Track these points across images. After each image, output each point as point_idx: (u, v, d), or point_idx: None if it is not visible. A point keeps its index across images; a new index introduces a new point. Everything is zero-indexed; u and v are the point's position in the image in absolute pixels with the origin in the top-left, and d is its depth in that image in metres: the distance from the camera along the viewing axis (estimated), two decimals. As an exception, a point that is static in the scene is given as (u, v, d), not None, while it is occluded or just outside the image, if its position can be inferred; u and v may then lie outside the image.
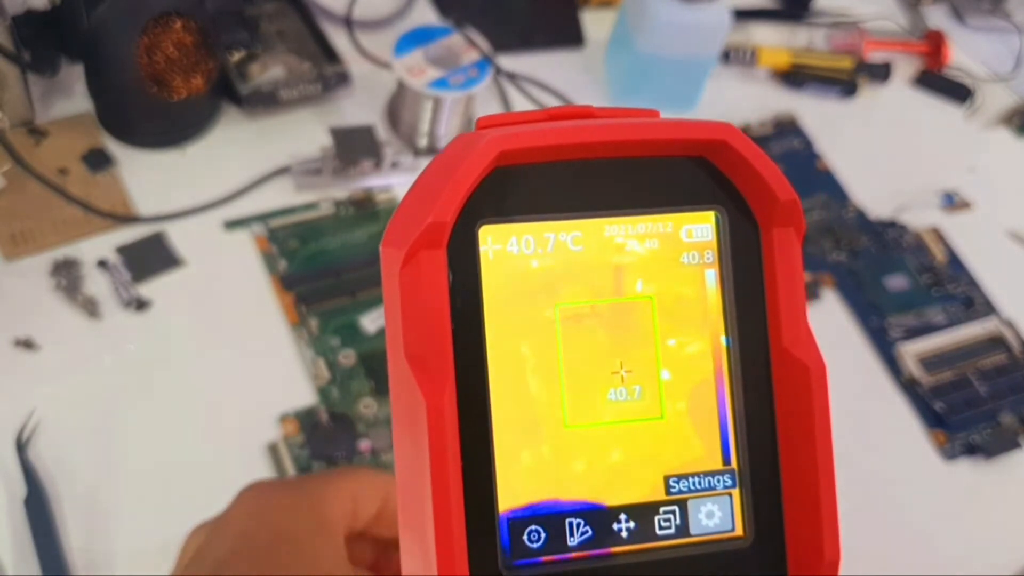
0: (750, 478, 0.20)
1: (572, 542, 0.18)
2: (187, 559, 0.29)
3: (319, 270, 0.55)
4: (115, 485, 0.46)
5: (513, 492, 0.18)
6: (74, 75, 0.59)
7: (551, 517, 0.18)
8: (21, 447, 0.45)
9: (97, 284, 0.52)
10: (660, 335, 0.19)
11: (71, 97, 0.60)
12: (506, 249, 0.19)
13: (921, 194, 0.68)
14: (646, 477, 0.19)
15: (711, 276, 0.20)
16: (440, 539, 0.17)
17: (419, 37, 0.61)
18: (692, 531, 0.19)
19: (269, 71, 0.61)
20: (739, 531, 0.19)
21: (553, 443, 0.19)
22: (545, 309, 0.19)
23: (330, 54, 0.63)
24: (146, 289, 0.52)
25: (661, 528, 0.19)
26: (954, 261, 0.65)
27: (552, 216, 0.19)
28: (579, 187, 0.19)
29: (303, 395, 0.50)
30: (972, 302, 0.63)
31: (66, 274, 0.52)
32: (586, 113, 0.19)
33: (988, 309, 0.63)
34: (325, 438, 0.49)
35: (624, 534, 0.19)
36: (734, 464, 0.20)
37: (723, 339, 0.20)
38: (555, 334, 0.19)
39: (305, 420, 0.49)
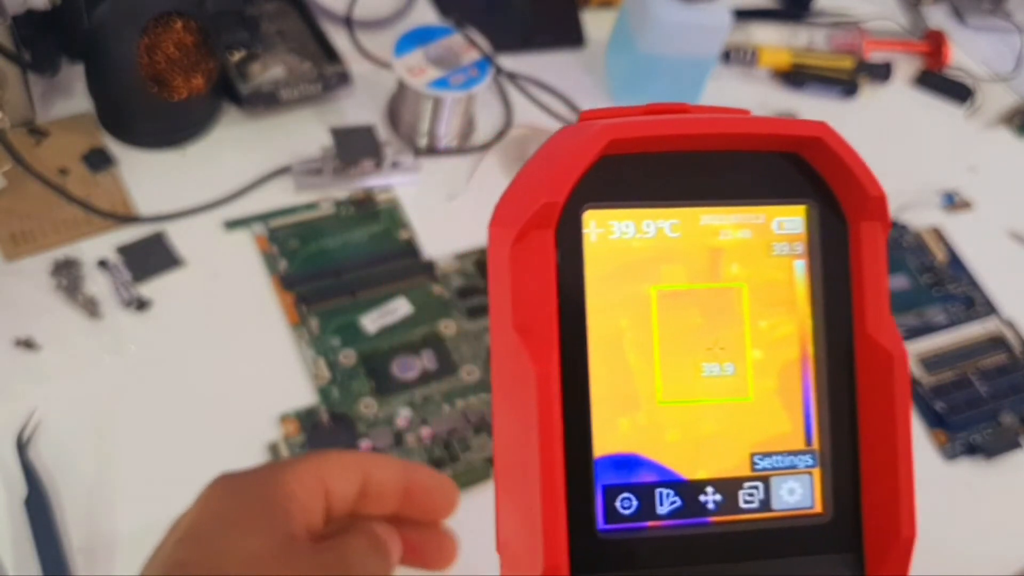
0: (831, 458, 0.20)
1: (662, 510, 0.20)
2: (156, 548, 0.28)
3: (319, 270, 0.55)
4: (115, 484, 0.46)
5: (610, 453, 0.20)
6: (74, 75, 0.59)
7: (643, 487, 0.20)
8: (21, 447, 0.45)
9: (97, 284, 0.52)
10: (751, 319, 0.20)
11: (71, 97, 0.60)
12: (608, 233, 0.20)
13: (922, 194, 0.68)
14: (733, 453, 0.20)
15: (800, 266, 0.21)
16: (546, 501, 0.18)
17: (419, 37, 0.61)
18: (774, 506, 0.20)
19: (269, 71, 0.61)
20: (818, 508, 0.20)
21: (647, 416, 0.20)
22: (643, 290, 0.20)
23: (330, 54, 0.63)
24: (146, 289, 0.52)
25: (745, 502, 0.20)
26: (955, 261, 0.65)
27: (652, 203, 0.20)
28: (678, 177, 0.20)
29: (304, 395, 0.50)
30: (973, 302, 0.63)
31: (66, 274, 0.52)
32: (682, 109, 0.20)
33: (988, 309, 0.63)
34: (326, 438, 0.49)
35: (711, 506, 0.20)
36: (816, 444, 0.21)
37: (810, 325, 0.21)
38: (651, 314, 0.20)
39: (306, 420, 0.49)
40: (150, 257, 0.54)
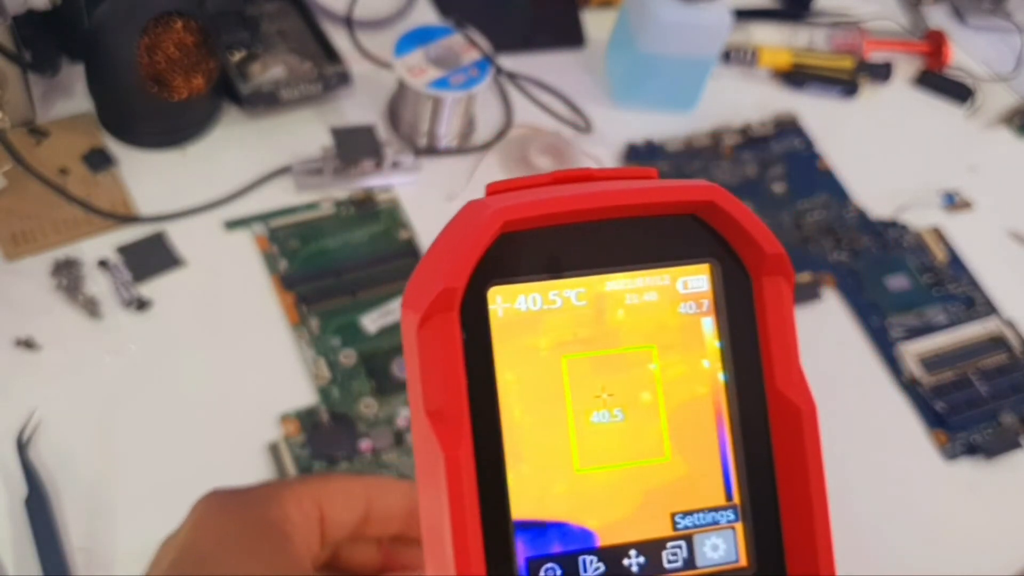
0: (752, 512, 0.21)
1: None
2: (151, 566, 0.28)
3: (320, 270, 0.55)
4: (116, 485, 0.46)
5: (529, 520, 0.20)
6: (74, 75, 0.59)
7: (566, 556, 0.20)
8: (22, 447, 0.45)
9: (98, 284, 0.52)
10: (662, 380, 0.21)
11: (72, 97, 0.60)
12: (515, 307, 0.20)
13: (922, 194, 0.68)
14: (654, 514, 0.20)
15: (708, 324, 0.21)
16: None
17: (419, 37, 0.61)
18: (698, 564, 0.20)
19: (270, 71, 0.61)
20: (743, 562, 0.21)
21: (566, 485, 0.20)
22: (553, 360, 0.20)
23: (331, 54, 0.63)
24: (147, 289, 0.52)
25: (669, 562, 0.20)
26: (955, 261, 0.65)
27: (556, 275, 0.20)
28: (581, 247, 0.20)
29: (304, 395, 0.50)
30: (973, 302, 0.63)
31: (67, 274, 0.52)
32: (586, 176, 0.21)
33: (989, 309, 0.63)
34: (326, 438, 0.49)
35: (635, 569, 0.20)
36: (736, 499, 0.21)
37: (722, 382, 0.21)
38: (563, 385, 0.20)
39: (306, 420, 0.49)
40: (150, 257, 0.54)
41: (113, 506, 0.45)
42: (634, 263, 0.21)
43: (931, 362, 0.59)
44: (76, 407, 0.48)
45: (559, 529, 0.20)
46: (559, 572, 0.20)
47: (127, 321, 0.51)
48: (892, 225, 0.66)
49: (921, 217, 0.67)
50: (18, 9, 0.54)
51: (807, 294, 0.61)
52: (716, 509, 0.21)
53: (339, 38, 0.65)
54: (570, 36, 0.73)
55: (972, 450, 0.56)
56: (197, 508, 0.28)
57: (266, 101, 0.60)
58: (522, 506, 0.20)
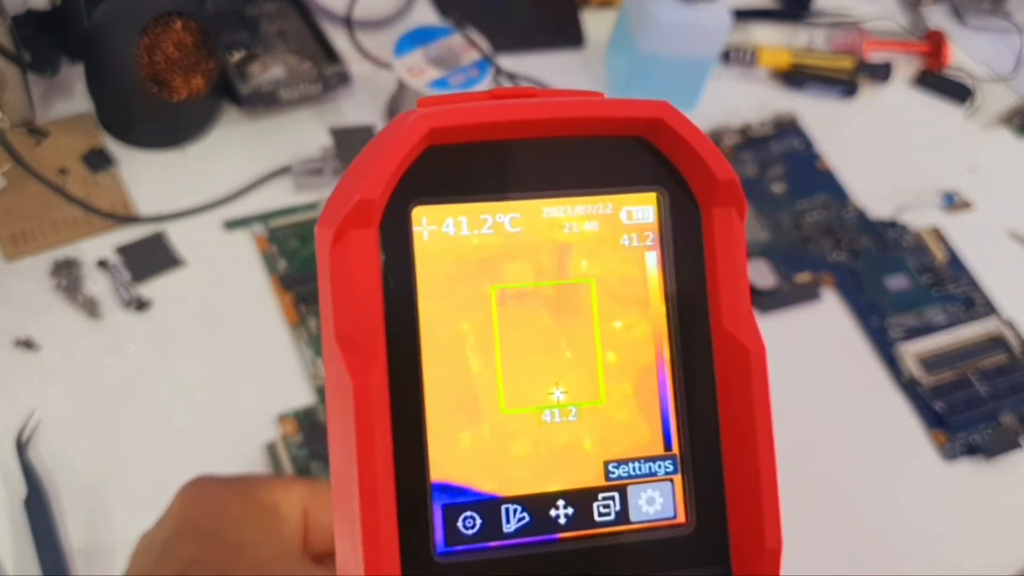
0: (692, 464, 0.19)
1: (508, 528, 0.18)
2: (132, 560, 0.28)
3: (319, 270, 0.55)
4: (115, 485, 0.46)
5: (448, 475, 0.18)
6: (74, 75, 0.59)
7: (487, 503, 0.18)
8: (21, 447, 0.45)
9: (97, 284, 0.52)
10: (601, 318, 0.19)
11: (71, 97, 0.60)
12: (441, 230, 0.18)
13: (921, 194, 0.68)
14: (585, 462, 0.19)
15: (652, 258, 0.19)
16: (367, 529, 0.16)
17: (419, 37, 0.61)
18: (632, 518, 0.19)
19: (269, 71, 0.61)
20: (681, 518, 0.19)
21: (490, 426, 0.18)
22: (482, 291, 0.18)
23: (330, 54, 0.63)
24: (146, 289, 0.52)
25: (600, 515, 0.19)
26: (954, 261, 0.65)
27: (489, 196, 0.18)
28: (516, 167, 0.19)
29: (302, 395, 0.50)
30: (972, 302, 0.63)
31: (66, 274, 0.52)
32: (528, 93, 0.19)
33: (988, 309, 0.63)
34: (324, 438, 0.49)
35: (562, 520, 0.18)
36: (676, 449, 0.19)
37: (664, 321, 0.19)
38: (492, 316, 0.18)
39: (304, 420, 0.49)
40: (150, 257, 0.54)
41: (112, 506, 0.45)
42: (574, 188, 0.19)
43: (931, 362, 0.59)
44: (75, 407, 0.48)
45: (481, 476, 0.18)
46: (479, 521, 0.18)
47: (126, 321, 0.51)
48: (892, 225, 0.66)
49: (921, 217, 0.67)
50: (18, 9, 0.54)
51: (806, 294, 0.61)
52: (653, 459, 0.19)
53: (339, 38, 0.65)
54: (569, 36, 0.73)
55: (972, 450, 0.56)
56: (185, 490, 0.28)
57: (266, 101, 0.60)
58: (442, 448, 0.18)
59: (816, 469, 0.54)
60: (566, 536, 0.18)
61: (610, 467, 0.19)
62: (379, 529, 0.16)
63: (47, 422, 0.47)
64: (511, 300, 0.19)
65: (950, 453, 0.56)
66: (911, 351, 0.59)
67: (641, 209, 0.19)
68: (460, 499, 0.18)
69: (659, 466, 0.19)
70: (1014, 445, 0.56)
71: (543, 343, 0.19)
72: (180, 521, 0.27)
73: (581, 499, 0.19)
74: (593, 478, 0.19)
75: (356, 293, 0.17)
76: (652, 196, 0.19)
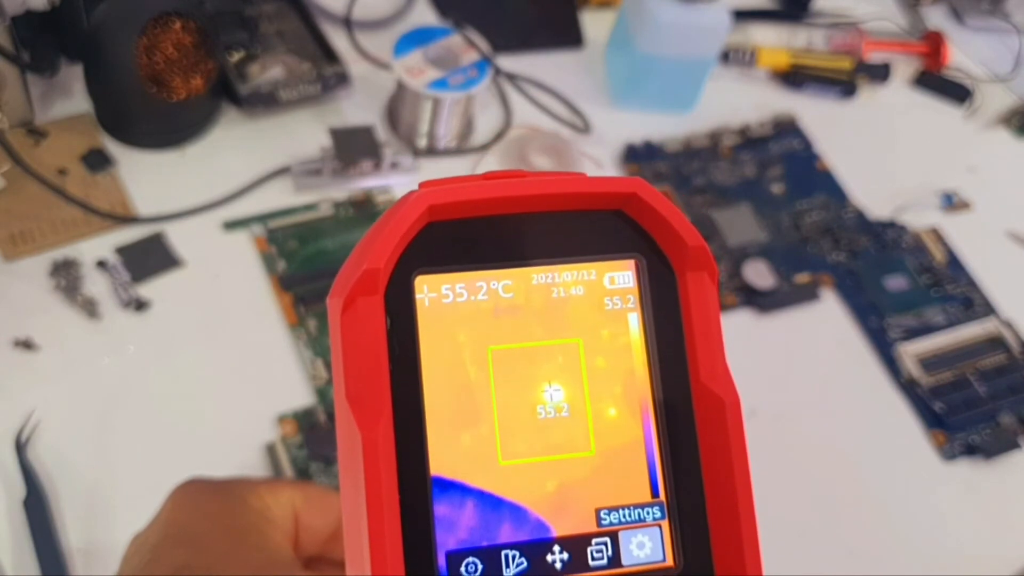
0: (678, 509, 0.21)
1: (508, 573, 0.19)
2: (123, 562, 0.28)
3: (318, 271, 0.55)
4: (114, 485, 0.46)
5: (451, 525, 0.19)
6: (74, 75, 0.59)
7: (487, 550, 0.19)
8: (21, 447, 0.45)
9: (97, 284, 0.52)
10: (588, 374, 0.21)
11: (71, 97, 0.60)
12: (441, 297, 0.20)
13: (921, 194, 0.68)
14: (578, 509, 0.20)
15: (634, 319, 0.21)
16: (376, 565, 0.18)
17: (419, 37, 0.61)
18: (624, 562, 0.20)
19: (269, 71, 0.61)
20: (669, 561, 0.20)
21: (489, 480, 0.20)
22: (478, 351, 0.20)
23: (330, 54, 0.63)
24: (145, 289, 0.52)
25: (594, 559, 0.20)
26: (953, 261, 0.65)
27: (484, 266, 0.20)
28: (508, 239, 0.21)
29: (301, 396, 0.50)
30: (971, 302, 0.63)
31: (66, 274, 0.52)
32: (518, 175, 0.21)
33: (987, 309, 0.63)
34: (323, 439, 0.49)
35: (558, 565, 0.20)
36: (662, 496, 0.21)
37: (647, 376, 0.21)
38: (488, 375, 0.20)
39: (303, 421, 0.49)
40: (149, 257, 0.54)
41: (111, 506, 0.45)
42: (561, 257, 0.21)
43: (930, 363, 0.59)
44: (75, 407, 0.48)
45: (482, 523, 0.19)
46: (480, 567, 0.19)
47: (126, 322, 0.51)
48: (891, 225, 0.66)
49: (920, 217, 0.67)
50: (17, 10, 0.54)
51: (806, 295, 0.61)
52: (642, 506, 0.20)
53: (338, 39, 0.65)
54: (569, 36, 0.73)
55: (971, 450, 0.56)
56: (176, 493, 0.28)
57: (265, 101, 0.60)
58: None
59: (816, 469, 0.54)
60: None
61: (601, 514, 0.20)
62: (386, 566, 0.18)
63: (46, 422, 0.47)
64: (505, 358, 0.20)
65: (949, 453, 0.56)
66: (910, 351, 0.59)
67: (622, 275, 0.21)
68: (464, 546, 0.19)
69: (647, 512, 0.20)
70: (1013, 445, 0.56)
71: (536, 398, 0.20)
72: (170, 526, 0.27)
73: (576, 545, 0.20)
74: (586, 524, 0.20)
75: (364, 355, 0.19)
76: (631, 263, 0.21)
